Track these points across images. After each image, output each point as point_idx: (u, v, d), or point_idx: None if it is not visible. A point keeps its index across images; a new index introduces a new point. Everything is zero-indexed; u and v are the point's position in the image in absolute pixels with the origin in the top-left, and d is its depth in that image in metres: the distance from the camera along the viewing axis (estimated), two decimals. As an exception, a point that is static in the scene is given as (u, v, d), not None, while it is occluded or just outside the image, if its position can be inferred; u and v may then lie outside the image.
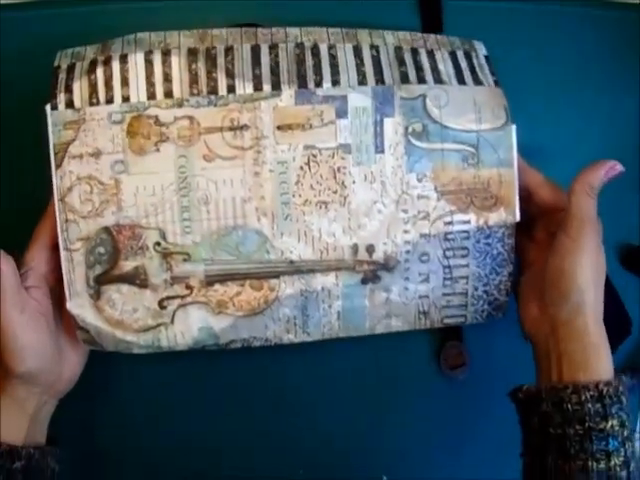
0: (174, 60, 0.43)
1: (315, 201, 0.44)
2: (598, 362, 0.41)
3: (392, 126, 0.44)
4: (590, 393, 0.39)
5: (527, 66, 0.50)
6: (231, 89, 0.43)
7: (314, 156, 0.43)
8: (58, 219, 0.43)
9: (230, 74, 0.43)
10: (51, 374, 0.43)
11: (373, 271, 0.45)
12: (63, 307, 0.44)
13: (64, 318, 0.45)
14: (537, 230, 0.47)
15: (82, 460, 0.49)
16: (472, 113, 0.45)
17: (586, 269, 0.41)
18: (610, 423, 0.39)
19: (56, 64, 0.43)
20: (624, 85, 0.52)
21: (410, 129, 0.44)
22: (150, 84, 0.43)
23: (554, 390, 0.41)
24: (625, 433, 0.39)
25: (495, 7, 0.51)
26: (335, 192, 0.44)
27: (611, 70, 0.52)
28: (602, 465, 0.38)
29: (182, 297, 0.44)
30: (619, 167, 0.43)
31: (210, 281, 0.44)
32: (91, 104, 0.43)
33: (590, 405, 0.39)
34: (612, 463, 0.38)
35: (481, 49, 0.48)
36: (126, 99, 0.43)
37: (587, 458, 0.39)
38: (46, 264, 0.44)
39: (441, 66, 0.46)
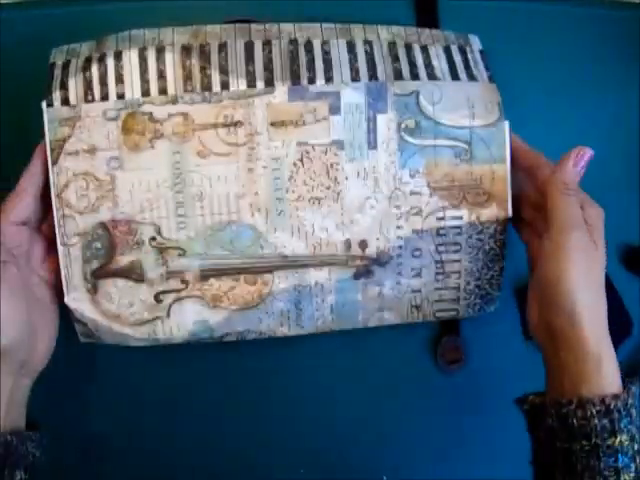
0: (168, 57, 0.43)
1: (308, 197, 0.44)
2: (600, 374, 0.38)
3: (385, 122, 0.44)
4: (596, 408, 0.37)
5: (527, 65, 0.50)
6: (225, 85, 0.43)
7: (307, 152, 0.44)
8: (55, 215, 0.43)
9: (224, 70, 0.44)
10: (26, 349, 0.41)
11: (366, 266, 0.46)
12: (34, 281, 0.43)
13: (35, 292, 0.43)
14: (540, 223, 0.44)
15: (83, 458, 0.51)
16: (465, 109, 0.45)
17: (573, 274, 0.39)
18: (619, 438, 0.37)
19: (51, 61, 0.44)
20: (624, 85, 0.52)
21: (403, 125, 0.44)
22: (144, 81, 0.43)
23: (558, 405, 0.38)
24: (636, 447, 0.37)
25: (494, 6, 0.50)
26: (328, 188, 0.44)
27: (611, 69, 0.52)
28: None
29: (177, 291, 0.45)
30: (586, 152, 0.41)
31: (205, 275, 0.45)
32: (86, 101, 0.43)
33: (597, 420, 0.37)
34: None
35: (476, 43, 0.48)
36: (121, 96, 0.43)
37: (594, 476, 0.37)
38: (12, 238, 0.42)
39: (435, 62, 0.46)
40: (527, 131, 0.46)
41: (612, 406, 0.37)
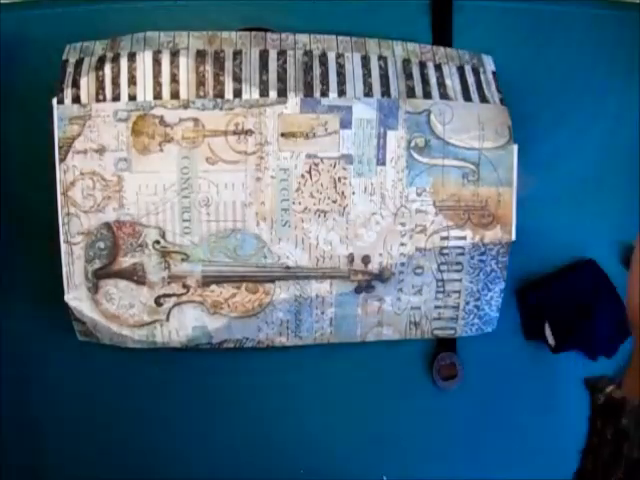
0: (182, 61, 0.43)
1: (314, 209, 0.44)
2: None
3: (395, 139, 0.44)
4: None
5: (526, 66, 0.50)
6: (237, 93, 0.43)
7: (316, 165, 0.44)
8: (60, 212, 0.43)
9: (237, 78, 0.43)
10: None
11: (367, 281, 0.46)
12: None
13: None
14: None
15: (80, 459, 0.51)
16: (475, 130, 0.45)
17: None
18: None
19: (64, 58, 0.43)
20: (625, 85, 0.52)
21: (413, 143, 0.44)
22: (157, 84, 0.43)
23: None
24: None
25: (495, 7, 0.50)
26: (335, 202, 0.44)
27: (612, 70, 0.51)
28: None
29: (178, 295, 0.45)
30: None
31: (207, 282, 0.45)
32: (97, 100, 0.43)
33: None
34: None
35: (489, 64, 0.48)
36: (132, 97, 0.43)
37: None
38: None
39: (448, 81, 0.46)
40: (527, 131, 0.46)
41: None
